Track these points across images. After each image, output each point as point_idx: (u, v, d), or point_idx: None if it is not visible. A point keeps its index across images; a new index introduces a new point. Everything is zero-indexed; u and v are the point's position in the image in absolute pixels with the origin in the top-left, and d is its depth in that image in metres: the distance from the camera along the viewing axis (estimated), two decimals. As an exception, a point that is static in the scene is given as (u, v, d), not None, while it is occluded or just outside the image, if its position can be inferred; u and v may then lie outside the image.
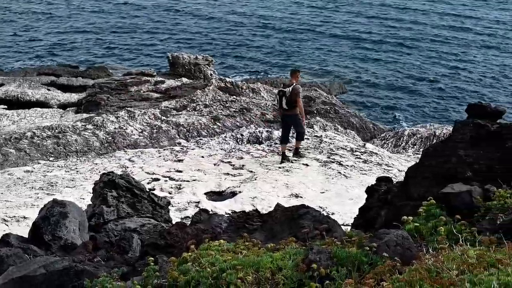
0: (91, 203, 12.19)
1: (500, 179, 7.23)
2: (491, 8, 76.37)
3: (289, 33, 60.31)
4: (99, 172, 16.95)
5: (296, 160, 19.92)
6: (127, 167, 19.42)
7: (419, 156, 9.20)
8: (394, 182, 10.30)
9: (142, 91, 33.11)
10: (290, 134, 20.62)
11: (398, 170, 19.29)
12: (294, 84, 18.99)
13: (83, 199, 15.64)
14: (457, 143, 8.28)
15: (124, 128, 24.61)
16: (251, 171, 18.86)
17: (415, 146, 25.25)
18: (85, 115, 27.88)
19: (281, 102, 19.09)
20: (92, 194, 12.50)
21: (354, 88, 45.06)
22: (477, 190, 7.04)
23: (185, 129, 25.45)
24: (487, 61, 53.08)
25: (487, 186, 7.14)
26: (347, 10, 71.02)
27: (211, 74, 38.13)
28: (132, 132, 24.51)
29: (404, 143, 25.97)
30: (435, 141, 23.18)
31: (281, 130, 20.80)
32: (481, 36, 61.84)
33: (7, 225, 13.99)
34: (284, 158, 19.81)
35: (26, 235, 9.26)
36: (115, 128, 24.43)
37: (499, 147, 8.01)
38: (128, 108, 27.43)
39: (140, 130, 24.78)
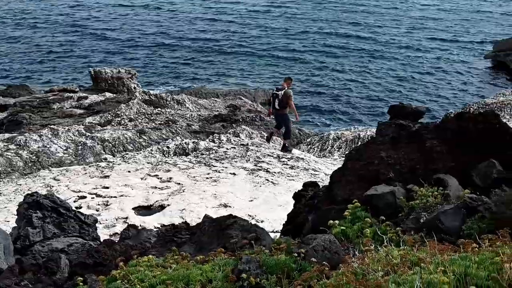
0: (16, 225, 11.93)
1: (421, 179, 7.38)
2: (408, 9, 78.30)
3: (212, 43, 60.34)
4: (24, 192, 16.56)
5: (284, 155, 22.37)
6: (53, 186, 19.06)
7: (345, 159, 9.30)
8: (321, 187, 10.39)
9: (65, 108, 32.64)
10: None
11: (325, 174, 19.48)
12: (285, 89, 22.20)
13: (8, 221, 15.26)
14: (379, 145, 8.42)
15: (48, 146, 24.15)
16: (179, 183, 18.76)
17: (341, 149, 25.57)
18: (7, 135, 27.21)
19: (274, 103, 22.41)
20: (16, 216, 12.24)
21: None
22: (400, 191, 7.18)
23: (110, 144, 25.14)
24: (408, 63, 54.18)
25: (409, 186, 7.28)
26: (265, 20, 71.56)
27: (134, 88, 37.72)
28: (56, 150, 24.07)
29: (329, 147, 26.27)
30: (359, 143, 23.49)
31: (275, 122, 24.40)
32: (400, 38, 63.19)
33: None
34: (271, 138, 23.94)
35: None
36: (38, 147, 23.95)
37: (419, 147, 8.18)
38: (52, 126, 26.97)
39: (64, 148, 24.36)
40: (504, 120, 26.27)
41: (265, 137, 24.47)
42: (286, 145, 23.34)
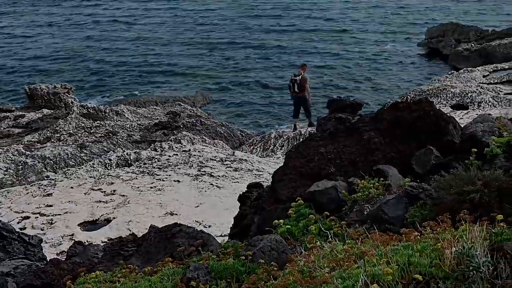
0: (-42, 252, 11.67)
1: (362, 171, 7.45)
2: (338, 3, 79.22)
3: (143, 51, 60.10)
4: (-36, 218, 16.23)
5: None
6: (-5, 209, 18.72)
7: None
8: (265, 187, 10.40)
9: (2, 128, 32.03)
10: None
11: (269, 173, 19.47)
12: (302, 74, 26.22)
13: (-50, 249, 14.93)
14: (318, 141, 8.45)
15: (-13, 168, 23.73)
16: (123, 195, 18.56)
17: (283, 148, 25.63)
18: None
19: (294, 87, 26.06)
20: (-42, 243, 11.96)
21: (219, 98, 45.20)
22: (342, 185, 7.22)
23: (52, 161, 24.78)
24: (345, 57, 54.81)
25: (351, 179, 7.33)
26: (192, 28, 71.63)
27: (72, 102, 37.10)
28: (-4, 172, 23.66)
29: (272, 146, 26.32)
30: (301, 139, 23.59)
31: (293, 108, 28.42)
32: (334, 33, 63.86)
33: None
34: (295, 129, 27.46)
35: None
36: (-23, 170, 23.53)
37: (358, 139, 8.24)
38: (-11, 148, 26.47)
39: (4, 169, 23.92)
40: (441, 106, 26.40)
41: (292, 129, 27.87)
42: (311, 121, 27.46)
